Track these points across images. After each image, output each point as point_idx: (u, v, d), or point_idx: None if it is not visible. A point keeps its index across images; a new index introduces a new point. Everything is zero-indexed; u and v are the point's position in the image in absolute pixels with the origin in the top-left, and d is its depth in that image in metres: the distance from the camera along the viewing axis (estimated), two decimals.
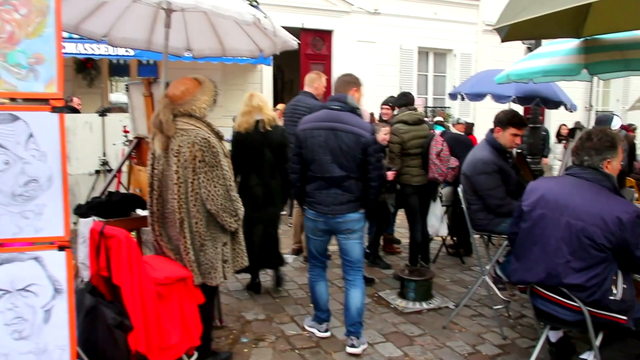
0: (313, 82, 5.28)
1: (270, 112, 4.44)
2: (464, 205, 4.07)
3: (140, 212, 3.64)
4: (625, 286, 2.71)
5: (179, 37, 4.37)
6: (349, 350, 3.57)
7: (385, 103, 6.85)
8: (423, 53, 14.01)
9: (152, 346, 2.79)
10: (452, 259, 6.07)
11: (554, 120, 13.53)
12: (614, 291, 2.68)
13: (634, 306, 2.73)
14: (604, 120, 6.15)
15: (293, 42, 3.92)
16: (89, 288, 2.86)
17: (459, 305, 4.26)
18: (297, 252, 5.93)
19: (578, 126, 8.22)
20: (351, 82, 3.64)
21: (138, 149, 4.45)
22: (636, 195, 5.90)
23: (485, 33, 13.91)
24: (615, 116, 6.24)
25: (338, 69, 12.73)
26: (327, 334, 3.84)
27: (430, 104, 14.24)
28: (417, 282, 4.56)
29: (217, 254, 3.09)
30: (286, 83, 15.12)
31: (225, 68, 10.74)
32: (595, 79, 5.57)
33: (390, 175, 4.91)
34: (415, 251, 5.21)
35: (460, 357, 3.60)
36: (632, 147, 6.75)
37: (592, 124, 7.05)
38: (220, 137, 3.09)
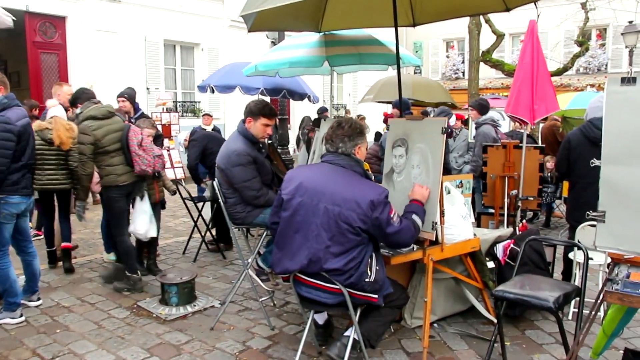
0: (55, 92, 5.37)
1: None
2: (221, 199, 3.94)
3: None
4: (377, 268, 2.93)
5: None
6: (36, 303, 4.27)
7: (120, 95, 5.95)
8: (169, 46, 13.58)
9: None
10: (214, 255, 5.93)
11: (298, 112, 14.50)
12: (369, 273, 2.88)
13: (384, 285, 2.98)
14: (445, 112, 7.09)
15: (6, 19, 3.25)
16: None
17: (225, 303, 4.13)
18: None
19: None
20: None
21: None
22: None
23: (232, 28, 14.14)
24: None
25: (75, 60, 11.50)
26: (23, 318, 4.02)
27: (179, 98, 13.90)
28: (179, 285, 4.29)
29: None
30: (12, 75, 13.01)
31: None
32: (334, 73, 6.04)
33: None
34: (128, 259, 4.75)
35: (231, 356, 3.47)
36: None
37: (334, 113, 7.65)
38: None
